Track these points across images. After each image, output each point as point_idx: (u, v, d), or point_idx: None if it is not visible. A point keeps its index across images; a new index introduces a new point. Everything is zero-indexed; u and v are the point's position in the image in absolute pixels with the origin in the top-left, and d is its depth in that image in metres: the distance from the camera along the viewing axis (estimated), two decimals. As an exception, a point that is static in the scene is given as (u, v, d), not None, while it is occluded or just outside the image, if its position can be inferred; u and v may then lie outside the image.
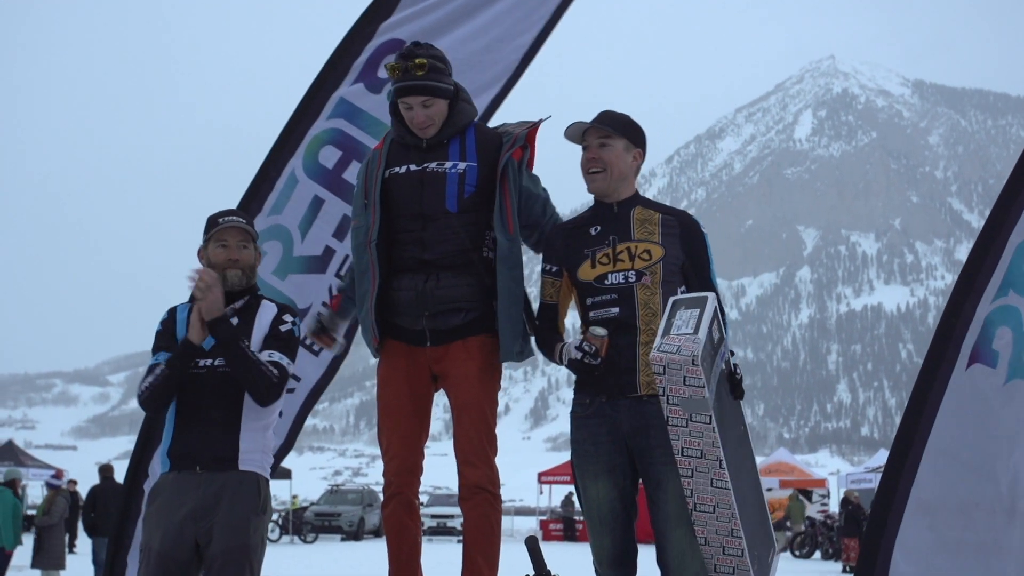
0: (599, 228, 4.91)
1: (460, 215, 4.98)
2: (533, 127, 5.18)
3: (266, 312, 5.08)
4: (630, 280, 4.78)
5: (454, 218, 4.98)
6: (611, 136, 4.89)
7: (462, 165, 5.03)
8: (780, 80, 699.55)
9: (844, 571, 28.02)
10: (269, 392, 4.93)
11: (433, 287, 4.94)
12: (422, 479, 5.34)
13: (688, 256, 4.89)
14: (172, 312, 5.24)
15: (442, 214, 4.98)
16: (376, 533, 41.05)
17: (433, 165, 5.04)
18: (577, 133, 4.93)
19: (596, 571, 4.95)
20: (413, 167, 5.06)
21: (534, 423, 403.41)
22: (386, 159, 5.14)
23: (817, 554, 35.72)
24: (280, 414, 5.42)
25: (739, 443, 4.79)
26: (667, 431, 4.62)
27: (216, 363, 4.98)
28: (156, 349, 5.14)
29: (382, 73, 5.33)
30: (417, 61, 4.99)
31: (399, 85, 5.03)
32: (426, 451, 5.29)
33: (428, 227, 4.98)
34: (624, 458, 4.80)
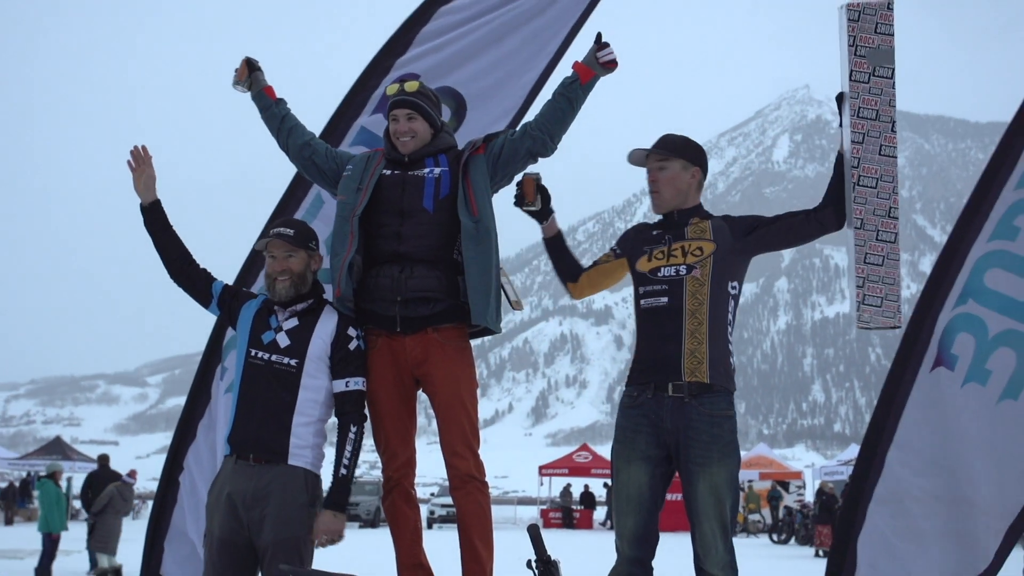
0: (660, 231, 5.02)
1: (435, 214, 5.07)
2: (490, 136, 5.30)
3: (328, 319, 5.13)
4: (680, 273, 4.84)
5: (430, 216, 5.07)
6: (668, 159, 4.99)
7: (438, 170, 5.15)
8: (759, 107, 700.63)
9: (816, 555, 28.01)
10: (362, 438, 5.08)
11: (407, 276, 5.00)
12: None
13: (748, 229, 4.98)
14: (246, 298, 5.35)
15: (419, 211, 5.07)
16: (391, 521, 41.08)
17: (414, 172, 5.16)
18: (640, 158, 5.04)
19: (617, 547, 4.95)
20: (397, 172, 5.17)
21: (535, 420, 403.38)
22: (384, 163, 5.24)
23: (793, 540, 35.72)
24: None
25: None
26: (703, 432, 4.70)
27: (273, 358, 5.02)
28: (220, 284, 5.36)
29: None
30: (412, 83, 5.24)
31: (392, 99, 5.20)
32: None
33: (406, 223, 5.06)
34: (660, 451, 4.82)
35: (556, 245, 5.44)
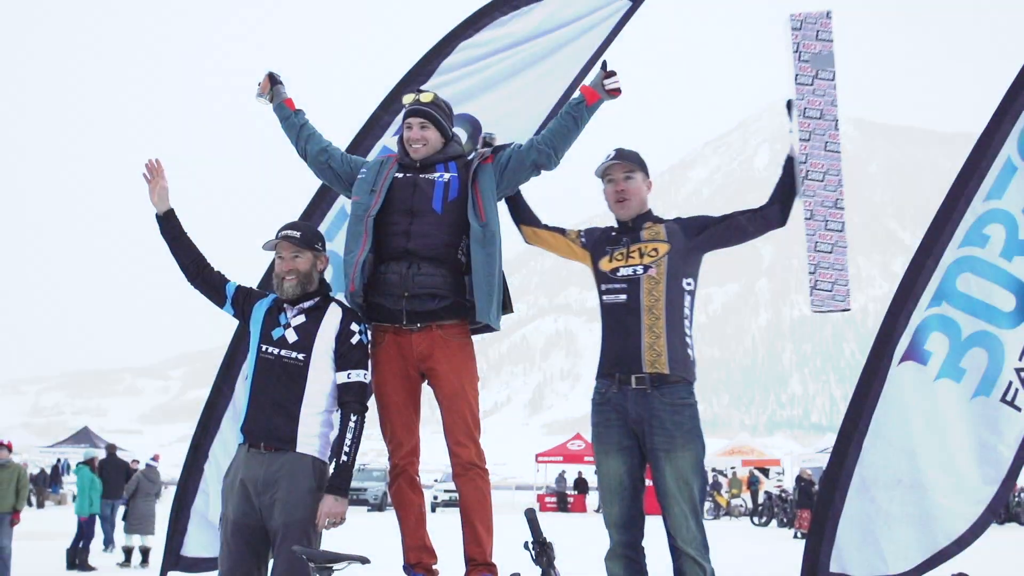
0: (618, 234, 5.07)
1: (443, 215, 5.09)
2: (498, 147, 5.36)
3: (333, 314, 5.13)
4: (638, 273, 4.90)
5: (438, 217, 5.09)
6: (634, 170, 5.07)
7: (447, 175, 5.17)
8: (742, 118, 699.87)
9: (795, 537, 28.00)
10: (362, 427, 5.04)
11: (414, 273, 5.01)
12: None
13: (699, 229, 5.05)
14: (258, 297, 5.37)
15: (428, 212, 5.09)
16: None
17: (425, 175, 5.18)
18: (606, 169, 5.07)
19: (608, 533, 4.99)
20: (410, 175, 5.18)
21: (531, 412, 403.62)
22: (397, 167, 5.26)
23: (774, 523, 35.72)
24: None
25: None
26: (668, 421, 4.72)
27: (282, 353, 5.04)
28: (233, 286, 5.38)
29: None
30: (427, 94, 5.27)
31: (407, 109, 5.25)
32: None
33: (415, 222, 5.07)
34: (632, 440, 4.86)
35: (513, 200, 5.48)
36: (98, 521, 20.58)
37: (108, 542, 21.22)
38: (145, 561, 19.47)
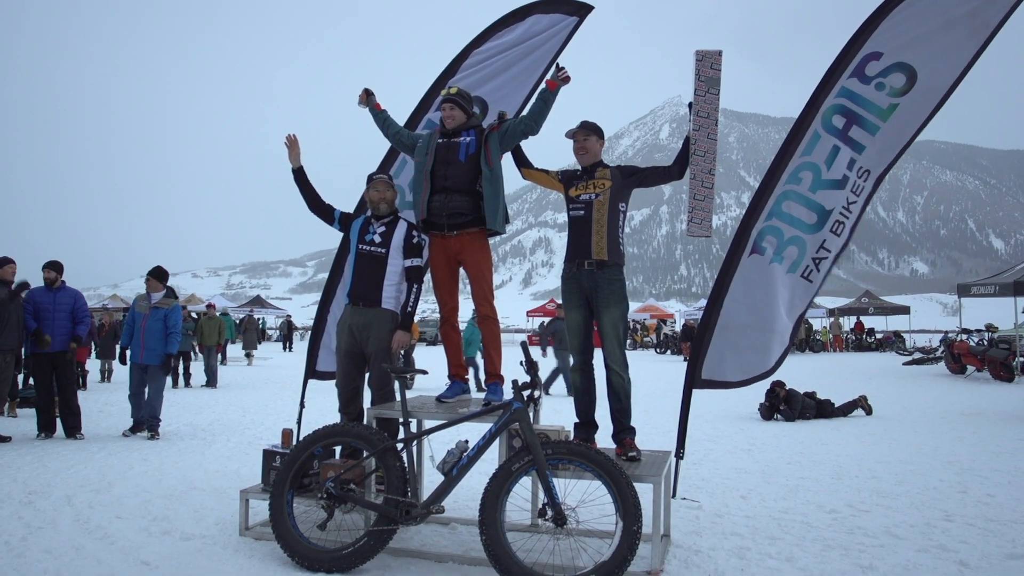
0: (581, 174, 4.99)
1: (465, 164, 4.99)
2: (505, 120, 5.18)
3: (401, 226, 5.14)
4: (592, 198, 4.83)
5: (462, 165, 4.99)
6: (590, 135, 4.97)
7: (468, 139, 5.06)
8: (652, 107, 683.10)
9: (683, 360, 28.27)
10: (419, 292, 5.08)
11: (449, 201, 4.96)
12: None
13: (630, 174, 4.91)
14: (353, 217, 5.34)
15: (456, 162, 5.00)
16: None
17: (455, 139, 5.08)
18: (573, 133, 4.99)
19: (572, 355, 5.01)
20: (445, 140, 5.10)
21: (524, 286, 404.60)
22: (438, 135, 5.16)
23: (668, 352, 36.05)
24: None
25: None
26: (606, 289, 4.72)
27: (372, 249, 5.05)
28: (339, 212, 5.32)
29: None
30: (454, 88, 5.19)
31: (444, 98, 5.16)
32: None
33: (449, 168, 4.99)
34: (585, 301, 4.84)
35: (516, 153, 5.30)
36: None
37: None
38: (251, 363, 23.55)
